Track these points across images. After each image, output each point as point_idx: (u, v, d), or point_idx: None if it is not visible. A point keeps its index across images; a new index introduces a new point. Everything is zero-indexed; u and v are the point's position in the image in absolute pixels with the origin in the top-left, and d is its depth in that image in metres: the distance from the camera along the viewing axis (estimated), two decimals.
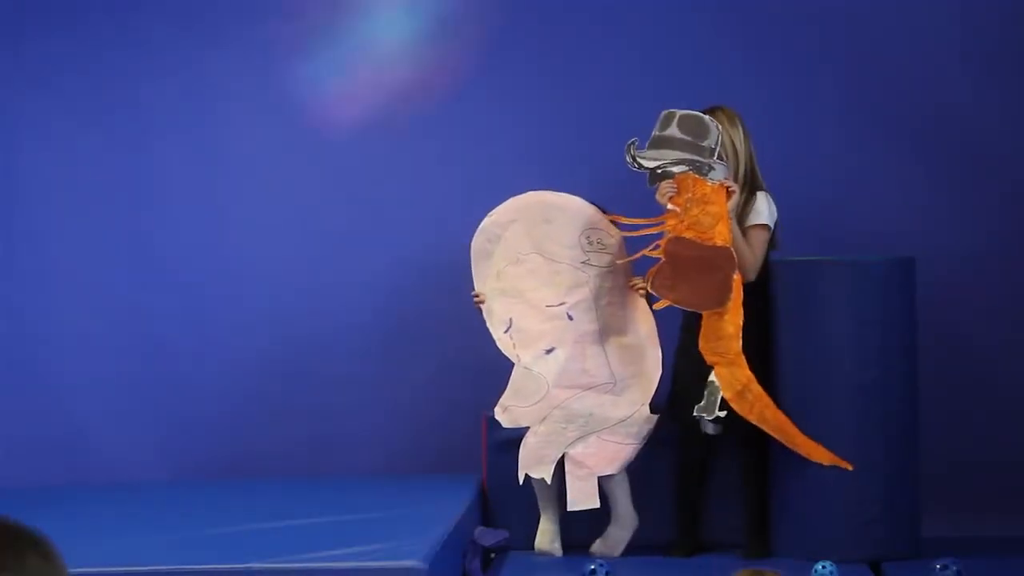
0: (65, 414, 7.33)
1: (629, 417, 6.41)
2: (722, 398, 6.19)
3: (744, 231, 6.38)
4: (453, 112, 7.32)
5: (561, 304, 6.49)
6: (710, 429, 6.37)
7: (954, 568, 5.74)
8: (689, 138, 6.26)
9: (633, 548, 6.43)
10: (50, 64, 7.35)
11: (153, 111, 7.37)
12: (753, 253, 6.35)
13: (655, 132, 6.31)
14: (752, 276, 6.35)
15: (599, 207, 6.50)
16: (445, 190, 7.30)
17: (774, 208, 6.41)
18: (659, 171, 6.29)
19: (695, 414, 6.25)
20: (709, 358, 6.21)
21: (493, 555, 6.54)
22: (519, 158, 7.22)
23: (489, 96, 7.28)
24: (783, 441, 6.21)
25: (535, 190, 6.72)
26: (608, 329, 6.49)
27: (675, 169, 6.27)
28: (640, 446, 6.41)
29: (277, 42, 7.37)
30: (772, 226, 6.40)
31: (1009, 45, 7.11)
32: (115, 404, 7.34)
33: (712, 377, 6.21)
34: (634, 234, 6.42)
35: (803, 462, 6.23)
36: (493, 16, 7.27)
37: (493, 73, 7.27)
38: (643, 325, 6.49)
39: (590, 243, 6.49)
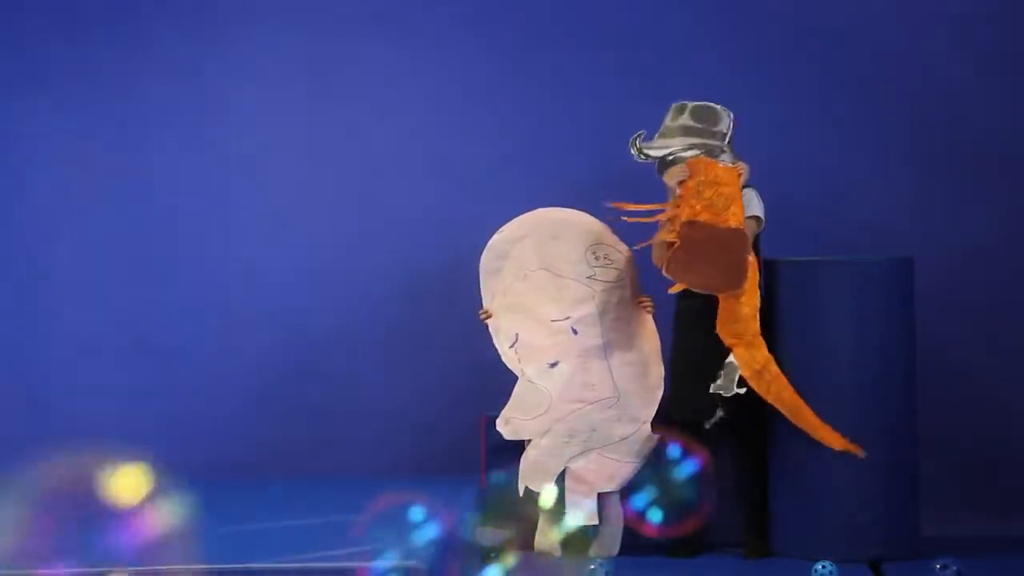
0: (65, 414, 7.33)
1: (631, 436, 6.42)
2: (740, 377, 6.20)
3: None
4: (453, 112, 7.31)
5: (565, 319, 6.49)
6: (708, 423, 6.37)
7: (954, 568, 5.74)
8: (701, 125, 6.34)
9: (634, 548, 6.43)
10: (51, 65, 7.35)
11: (153, 111, 7.36)
12: None
13: (666, 122, 6.39)
14: None
15: (606, 211, 6.49)
16: (446, 191, 7.30)
17: (762, 203, 6.42)
18: (669, 157, 6.34)
19: (712, 391, 6.25)
20: (727, 340, 6.21)
21: (493, 555, 6.53)
22: (519, 159, 7.22)
23: (490, 96, 7.27)
24: (798, 423, 6.20)
25: (534, 188, 6.72)
26: (613, 344, 6.49)
27: (686, 154, 6.32)
28: (640, 464, 6.42)
29: (277, 44, 7.37)
30: (763, 218, 6.41)
31: (1009, 44, 7.11)
32: (115, 404, 7.34)
33: (731, 358, 6.21)
34: (643, 220, 6.39)
35: (803, 462, 6.23)
36: (493, 18, 7.28)
37: (494, 72, 7.27)
38: (647, 342, 6.50)
39: (596, 258, 6.49)
